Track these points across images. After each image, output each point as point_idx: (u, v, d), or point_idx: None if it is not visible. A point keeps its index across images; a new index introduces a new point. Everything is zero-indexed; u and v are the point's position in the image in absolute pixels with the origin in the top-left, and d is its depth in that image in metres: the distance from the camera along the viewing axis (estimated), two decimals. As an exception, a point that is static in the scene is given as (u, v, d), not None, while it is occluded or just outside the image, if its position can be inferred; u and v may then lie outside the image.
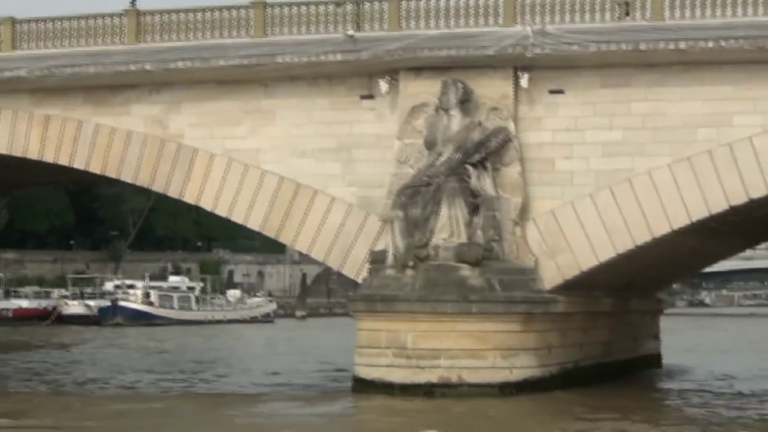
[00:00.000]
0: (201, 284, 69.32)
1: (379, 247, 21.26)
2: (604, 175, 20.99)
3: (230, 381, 27.55)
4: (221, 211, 23.78)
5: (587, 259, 20.83)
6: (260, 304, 60.42)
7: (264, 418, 18.17)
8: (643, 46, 20.39)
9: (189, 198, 24.15)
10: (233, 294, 72.25)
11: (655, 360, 31.02)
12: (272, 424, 17.52)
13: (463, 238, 20.46)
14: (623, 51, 20.48)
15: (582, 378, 22.60)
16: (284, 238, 23.72)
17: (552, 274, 20.98)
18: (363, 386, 20.62)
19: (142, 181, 24.44)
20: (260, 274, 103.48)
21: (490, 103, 21.23)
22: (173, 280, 67.29)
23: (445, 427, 16.34)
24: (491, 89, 21.31)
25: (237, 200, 23.08)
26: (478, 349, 20.10)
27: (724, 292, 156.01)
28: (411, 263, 20.43)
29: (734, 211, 20.94)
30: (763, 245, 67.97)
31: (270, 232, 23.51)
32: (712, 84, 20.65)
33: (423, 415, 18.04)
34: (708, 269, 76.44)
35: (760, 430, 17.40)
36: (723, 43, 20.10)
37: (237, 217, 23.68)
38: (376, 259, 21.06)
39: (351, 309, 23.09)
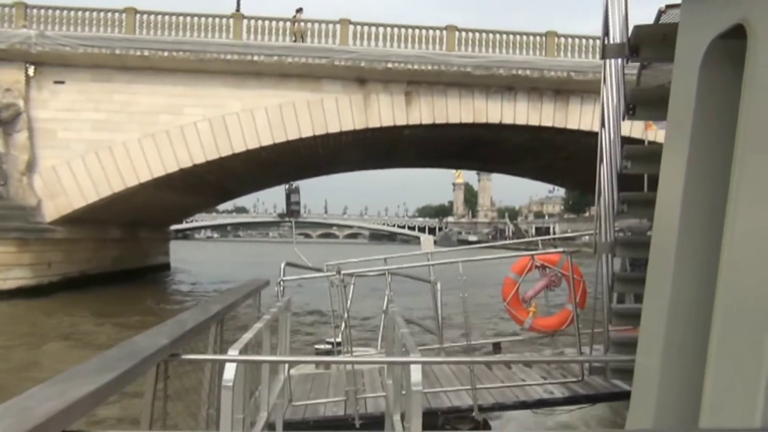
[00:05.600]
0: None
1: None
2: (92, 143, 25.14)
3: None
4: None
5: (77, 201, 24.99)
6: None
7: None
8: (118, 51, 24.90)
9: None
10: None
11: (166, 266, 39.37)
12: None
13: (-25, 183, 23.90)
14: (104, 54, 24.80)
15: (92, 282, 26.75)
16: None
17: (51, 211, 24.65)
18: None
19: None
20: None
21: (5, 85, 24.31)
22: None
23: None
24: (6, 75, 24.37)
25: None
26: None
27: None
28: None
29: (186, 173, 26.50)
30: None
31: None
32: (171, 85, 25.77)
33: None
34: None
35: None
36: (174, 54, 25.21)
37: None
38: None
39: None
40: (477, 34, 26.01)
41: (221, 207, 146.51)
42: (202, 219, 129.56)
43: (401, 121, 26.25)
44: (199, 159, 25.62)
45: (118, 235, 30.68)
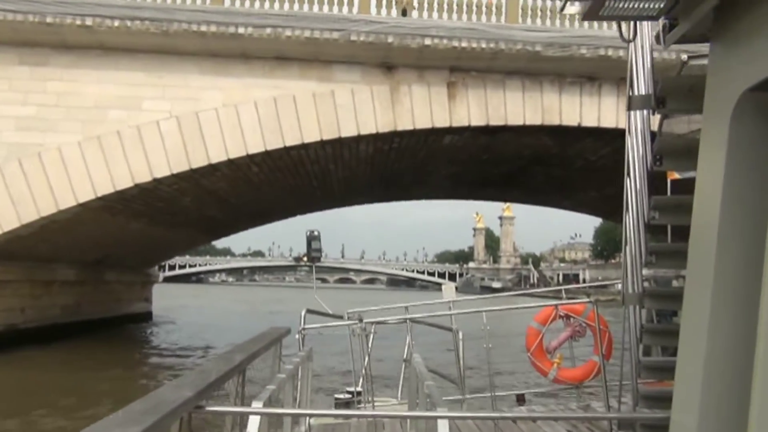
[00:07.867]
0: None
1: None
2: (15, 148, 17.69)
3: None
4: None
5: (-11, 228, 17.58)
6: None
7: None
8: (50, 19, 17.37)
9: None
10: None
11: (146, 315, 32.90)
12: None
13: None
14: (32, 24, 17.20)
15: (27, 339, 19.69)
16: None
17: (-48, 243, 17.45)
18: None
19: None
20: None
21: None
22: None
23: None
24: None
25: None
26: None
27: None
28: None
29: (147, 193, 18.89)
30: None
31: None
32: (126, 70, 18.42)
33: None
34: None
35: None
36: (129, 24, 17.53)
37: None
38: None
39: None
40: (548, 2, 18.35)
41: (237, 250, 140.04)
42: (216, 262, 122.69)
43: (442, 122, 18.50)
44: (163, 172, 18.02)
45: (71, 276, 23.14)
